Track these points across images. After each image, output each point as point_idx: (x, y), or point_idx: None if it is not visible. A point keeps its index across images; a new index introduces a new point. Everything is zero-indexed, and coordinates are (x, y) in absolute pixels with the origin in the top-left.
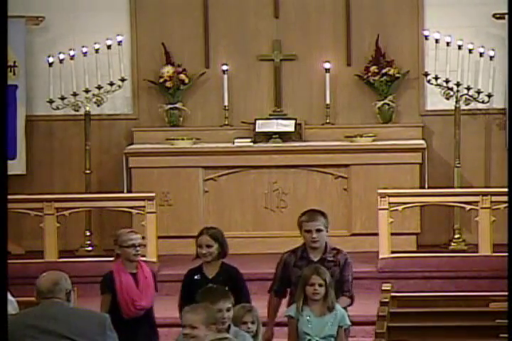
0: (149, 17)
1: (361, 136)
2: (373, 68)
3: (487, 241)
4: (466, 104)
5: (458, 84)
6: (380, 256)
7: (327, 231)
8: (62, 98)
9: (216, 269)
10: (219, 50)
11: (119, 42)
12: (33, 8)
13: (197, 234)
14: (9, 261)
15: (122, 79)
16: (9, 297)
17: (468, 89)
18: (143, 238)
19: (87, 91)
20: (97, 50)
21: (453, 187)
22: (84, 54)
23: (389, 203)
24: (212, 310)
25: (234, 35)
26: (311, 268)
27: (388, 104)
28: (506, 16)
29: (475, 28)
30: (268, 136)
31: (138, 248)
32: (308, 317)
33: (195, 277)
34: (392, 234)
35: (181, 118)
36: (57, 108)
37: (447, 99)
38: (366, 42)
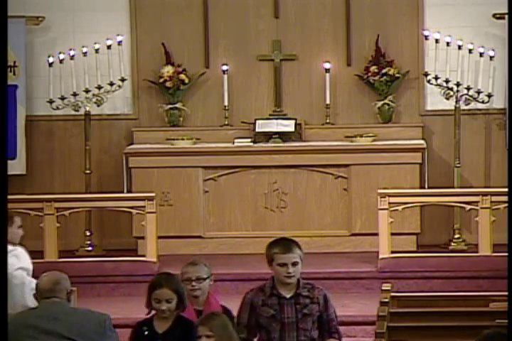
0: (149, 17)
1: (361, 136)
2: (373, 68)
3: (487, 241)
4: (466, 104)
5: (458, 84)
6: (380, 256)
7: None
8: (62, 98)
9: (169, 323)
10: (219, 50)
11: (119, 42)
12: (33, 8)
13: (151, 284)
14: None
15: (122, 79)
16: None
17: (468, 89)
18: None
19: (87, 91)
20: (97, 50)
21: (453, 187)
22: (84, 54)
23: (389, 203)
24: None
25: (234, 35)
26: (202, 318)
27: (388, 104)
28: (506, 16)
29: (475, 28)
30: (268, 136)
31: (194, 282)
32: None
33: (145, 333)
34: (392, 234)
35: (181, 118)
36: (57, 108)
37: (447, 99)
38: (366, 42)
